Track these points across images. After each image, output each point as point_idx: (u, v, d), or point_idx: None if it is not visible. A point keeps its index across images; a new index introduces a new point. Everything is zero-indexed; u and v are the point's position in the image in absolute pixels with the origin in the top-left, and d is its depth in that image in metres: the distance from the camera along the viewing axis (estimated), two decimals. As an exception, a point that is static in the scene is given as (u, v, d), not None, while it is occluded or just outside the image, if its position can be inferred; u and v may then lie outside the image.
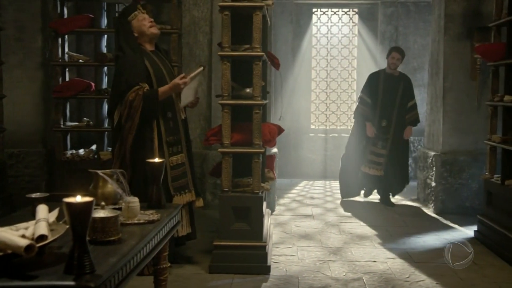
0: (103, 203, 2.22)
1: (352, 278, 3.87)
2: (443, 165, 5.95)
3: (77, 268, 1.63)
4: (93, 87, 5.84)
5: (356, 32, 8.77)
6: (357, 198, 6.67)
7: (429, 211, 6.10)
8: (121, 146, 3.76)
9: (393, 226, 5.42)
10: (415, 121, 6.33)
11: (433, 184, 6.08)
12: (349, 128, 8.46)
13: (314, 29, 8.81)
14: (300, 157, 8.65)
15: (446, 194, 5.95)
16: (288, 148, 8.47)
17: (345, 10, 8.78)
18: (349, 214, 5.95)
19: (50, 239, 1.82)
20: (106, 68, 6.06)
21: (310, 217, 5.77)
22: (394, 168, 6.29)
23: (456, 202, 5.94)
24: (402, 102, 6.31)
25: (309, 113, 8.85)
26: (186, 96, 3.92)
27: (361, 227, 5.35)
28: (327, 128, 8.85)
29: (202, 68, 3.97)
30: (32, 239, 1.79)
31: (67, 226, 1.84)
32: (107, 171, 2.57)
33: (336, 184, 7.33)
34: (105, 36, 6.16)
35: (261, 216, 4.00)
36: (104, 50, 6.11)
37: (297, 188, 7.63)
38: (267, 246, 4.02)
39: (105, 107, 5.86)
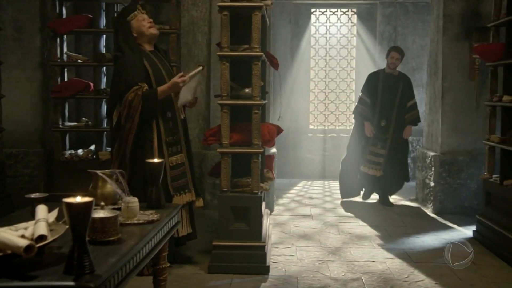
0: (102, 203, 2.22)
1: (351, 278, 3.88)
2: (442, 165, 5.95)
3: (76, 268, 1.63)
4: (92, 87, 5.84)
5: (355, 32, 8.77)
6: (356, 199, 6.66)
7: (428, 211, 6.10)
8: (121, 146, 3.75)
9: (392, 226, 5.43)
10: (415, 120, 6.31)
11: (432, 184, 6.08)
12: (348, 128, 8.49)
13: (312, 29, 8.80)
14: (299, 157, 8.65)
15: (445, 194, 5.95)
16: (287, 148, 8.48)
17: (344, 10, 8.78)
18: (348, 214, 5.94)
19: (49, 239, 1.82)
20: (104, 68, 6.05)
21: (309, 217, 5.77)
22: (393, 168, 6.28)
23: (455, 202, 5.95)
24: (402, 102, 6.30)
25: (308, 113, 8.85)
26: (184, 96, 3.90)
27: (360, 227, 5.35)
28: (326, 128, 8.85)
29: (201, 67, 3.96)
30: (32, 239, 1.79)
31: (67, 226, 1.84)
32: (107, 171, 2.57)
33: (334, 184, 7.33)
34: (104, 36, 6.15)
35: (260, 216, 4.00)
36: (103, 50, 6.10)
37: (296, 188, 7.63)
38: (266, 246, 4.02)
39: (104, 107, 5.85)
